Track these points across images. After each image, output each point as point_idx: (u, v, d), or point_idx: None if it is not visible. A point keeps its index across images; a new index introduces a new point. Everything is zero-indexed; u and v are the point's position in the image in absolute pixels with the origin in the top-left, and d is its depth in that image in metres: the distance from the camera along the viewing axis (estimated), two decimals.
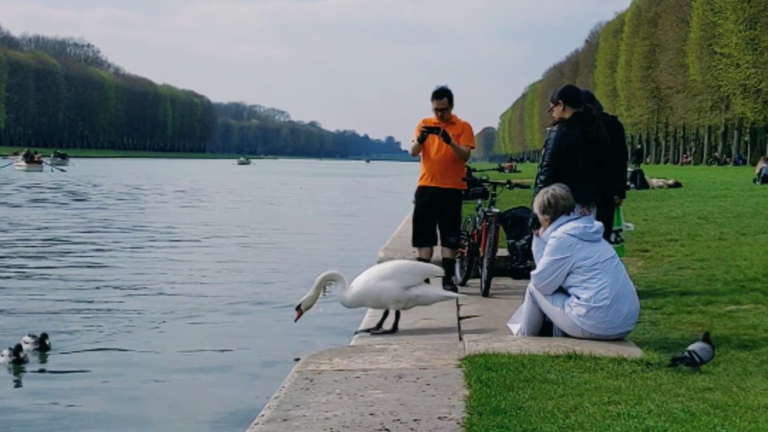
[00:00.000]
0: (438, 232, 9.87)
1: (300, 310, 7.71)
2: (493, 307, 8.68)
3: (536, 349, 6.10)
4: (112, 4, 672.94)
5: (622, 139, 8.86)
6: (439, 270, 8.14)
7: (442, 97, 9.50)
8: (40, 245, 18.18)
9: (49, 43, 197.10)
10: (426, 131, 9.43)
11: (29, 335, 8.59)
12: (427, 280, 8.16)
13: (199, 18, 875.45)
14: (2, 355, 8.01)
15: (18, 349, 8.05)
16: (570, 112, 7.49)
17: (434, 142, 9.53)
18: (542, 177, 7.42)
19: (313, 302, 7.75)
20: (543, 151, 7.58)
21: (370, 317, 8.89)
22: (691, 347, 5.73)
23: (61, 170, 68.16)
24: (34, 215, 25.88)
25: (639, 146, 75.57)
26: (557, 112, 7.54)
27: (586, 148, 7.43)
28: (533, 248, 7.08)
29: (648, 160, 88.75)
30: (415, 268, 7.79)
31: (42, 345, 8.47)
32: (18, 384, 7.62)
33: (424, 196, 9.70)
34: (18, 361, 7.95)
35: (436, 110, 9.55)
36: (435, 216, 9.69)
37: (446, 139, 9.34)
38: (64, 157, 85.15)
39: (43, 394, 7.21)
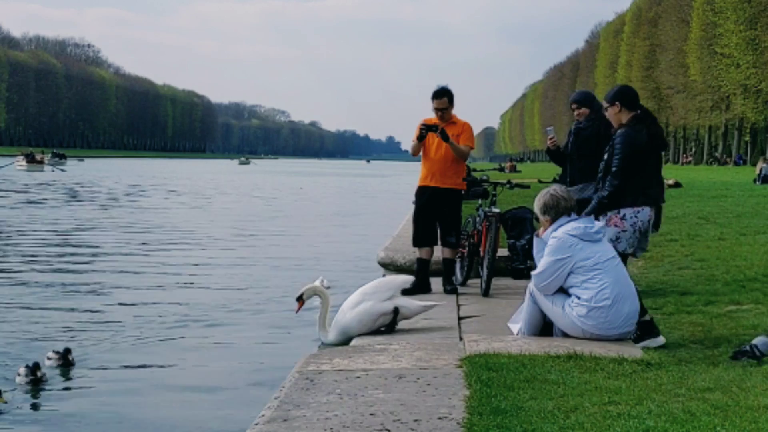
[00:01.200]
0: (438, 232, 9.89)
1: (302, 300, 7.92)
2: (493, 307, 8.69)
3: (536, 349, 6.10)
4: (112, 4, 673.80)
5: None
6: (406, 279, 8.18)
7: (442, 96, 9.52)
8: (46, 248, 18.18)
9: (49, 43, 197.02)
10: (425, 129, 9.45)
11: (53, 351, 8.10)
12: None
13: (199, 18, 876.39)
14: (19, 375, 7.48)
15: (36, 367, 7.47)
16: (627, 115, 7.20)
17: (434, 141, 9.55)
18: (615, 182, 7.10)
19: (313, 293, 7.96)
20: (607, 155, 7.26)
21: None
22: (753, 341, 5.91)
23: (62, 170, 68.27)
24: (37, 216, 25.89)
25: None
26: (612, 114, 7.26)
27: (652, 150, 7.24)
28: (533, 249, 7.08)
29: None
30: (381, 286, 7.89)
31: (65, 361, 7.99)
32: (32, 407, 7.07)
33: (423, 196, 9.71)
34: (36, 380, 7.35)
35: (436, 110, 9.57)
36: (435, 216, 9.69)
37: (444, 137, 9.36)
38: (62, 156, 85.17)
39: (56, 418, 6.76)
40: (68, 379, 7.79)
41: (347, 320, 7.72)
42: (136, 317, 10.42)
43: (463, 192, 9.90)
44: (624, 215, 7.14)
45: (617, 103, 7.24)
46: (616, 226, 7.14)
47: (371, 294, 7.74)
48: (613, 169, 7.15)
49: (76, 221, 24.24)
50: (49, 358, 8.03)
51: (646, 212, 7.17)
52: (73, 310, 10.98)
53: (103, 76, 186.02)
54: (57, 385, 7.54)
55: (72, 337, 9.25)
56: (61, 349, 8.16)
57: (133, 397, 7.27)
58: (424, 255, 9.81)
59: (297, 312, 8.20)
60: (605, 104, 7.37)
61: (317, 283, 12.09)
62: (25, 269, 14.57)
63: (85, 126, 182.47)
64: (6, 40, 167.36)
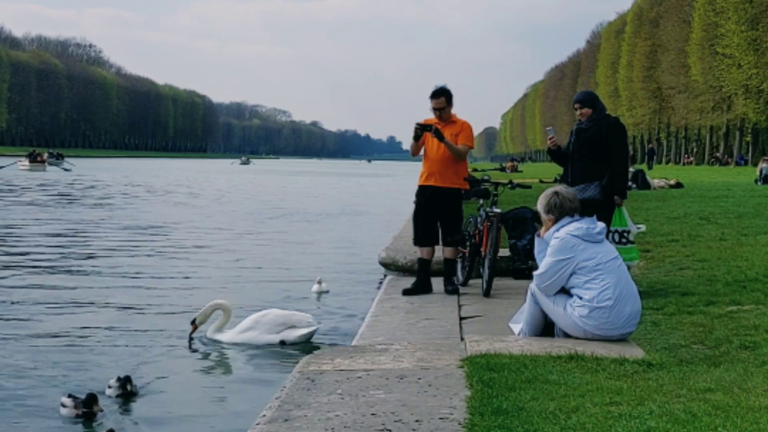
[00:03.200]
0: (439, 231, 9.90)
1: (194, 324, 8.99)
2: (494, 307, 8.69)
3: (538, 349, 6.10)
4: (112, 4, 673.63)
5: (625, 140, 8.85)
6: (303, 318, 8.91)
7: (440, 96, 9.57)
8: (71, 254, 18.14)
9: (51, 43, 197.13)
10: (419, 129, 9.49)
11: (116, 379, 7.08)
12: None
13: (199, 18, 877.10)
14: (64, 406, 6.50)
15: (92, 400, 6.46)
16: None
17: (433, 141, 9.58)
18: None
19: (206, 318, 9.03)
20: None
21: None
22: None
23: (65, 169, 68.51)
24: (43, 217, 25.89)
25: (651, 145, 75.61)
26: None
27: None
28: (535, 249, 7.09)
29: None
30: (275, 319, 8.79)
31: (124, 390, 6.99)
32: None
33: (424, 196, 9.73)
34: (89, 414, 6.37)
35: (435, 110, 9.62)
36: (435, 215, 9.70)
37: (439, 136, 9.41)
38: (59, 156, 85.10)
39: None
40: (126, 413, 6.75)
41: (237, 340, 8.78)
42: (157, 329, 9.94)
43: (463, 192, 9.91)
44: None
45: None
46: None
47: (263, 324, 8.74)
48: None
49: (87, 222, 24.24)
50: (109, 387, 7.04)
51: None
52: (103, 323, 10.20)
53: (104, 76, 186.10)
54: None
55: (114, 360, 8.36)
56: (121, 375, 7.13)
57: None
58: (425, 255, 9.82)
59: (191, 334, 9.00)
60: None
61: (315, 285, 12.15)
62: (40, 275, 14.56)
63: (86, 126, 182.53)
64: (8, 41, 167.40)
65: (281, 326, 8.76)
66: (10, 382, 7.45)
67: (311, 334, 8.92)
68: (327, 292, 12.13)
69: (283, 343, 8.74)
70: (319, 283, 12.21)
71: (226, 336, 8.88)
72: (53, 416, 6.57)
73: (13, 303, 11.25)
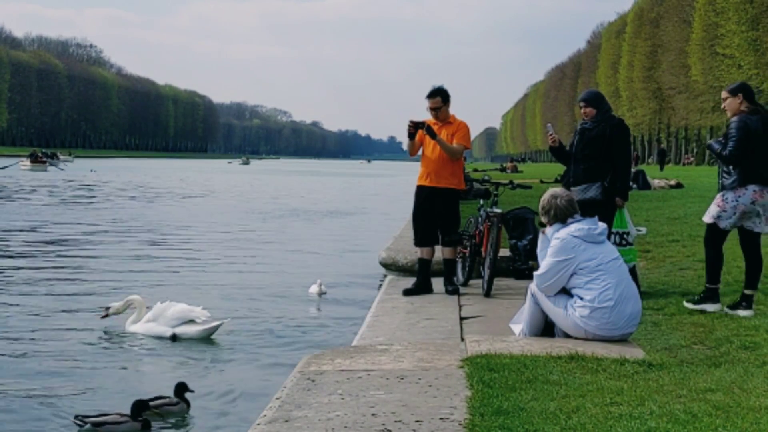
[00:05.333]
0: (439, 231, 9.88)
1: (107, 312, 9.71)
2: (495, 307, 8.69)
3: (538, 349, 6.10)
4: (112, 4, 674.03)
5: (628, 141, 8.83)
6: (201, 314, 9.34)
7: (436, 96, 9.60)
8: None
9: (51, 43, 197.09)
10: (412, 126, 9.50)
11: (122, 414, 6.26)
12: None
13: (198, 18, 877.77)
14: (116, 424, 6.04)
15: (142, 407, 6.09)
16: (746, 106, 7.66)
17: (430, 140, 9.58)
18: (728, 153, 7.59)
19: (118, 311, 9.69)
20: (723, 140, 7.75)
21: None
22: None
23: (61, 169, 68.82)
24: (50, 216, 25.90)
25: (662, 146, 75.47)
26: (734, 104, 7.69)
27: (765, 136, 7.62)
28: (538, 246, 7.08)
29: (650, 160, 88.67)
30: (173, 314, 9.30)
31: (184, 399, 6.56)
32: None
33: (421, 196, 9.73)
34: (147, 424, 5.95)
35: (431, 109, 9.64)
36: (433, 215, 9.68)
37: (430, 133, 9.42)
38: (53, 156, 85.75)
39: None
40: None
41: (140, 330, 9.41)
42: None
43: (460, 192, 9.89)
44: (726, 198, 7.74)
45: (740, 94, 7.70)
46: (718, 206, 7.86)
47: (161, 317, 9.32)
48: (728, 150, 7.61)
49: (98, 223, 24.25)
50: (170, 403, 6.54)
51: (748, 194, 7.63)
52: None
53: (105, 77, 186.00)
54: None
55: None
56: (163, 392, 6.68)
57: None
58: (425, 255, 9.81)
59: (102, 318, 9.68)
60: (725, 94, 7.77)
61: (314, 287, 12.15)
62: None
63: (87, 126, 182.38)
64: (8, 41, 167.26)
65: (177, 320, 9.26)
66: (18, 403, 7.08)
67: (209, 331, 9.28)
68: (325, 293, 12.12)
69: (174, 337, 9.20)
70: (318, 285, 12.21)
71: (134, 327, 9.50)
72: None
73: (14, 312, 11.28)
